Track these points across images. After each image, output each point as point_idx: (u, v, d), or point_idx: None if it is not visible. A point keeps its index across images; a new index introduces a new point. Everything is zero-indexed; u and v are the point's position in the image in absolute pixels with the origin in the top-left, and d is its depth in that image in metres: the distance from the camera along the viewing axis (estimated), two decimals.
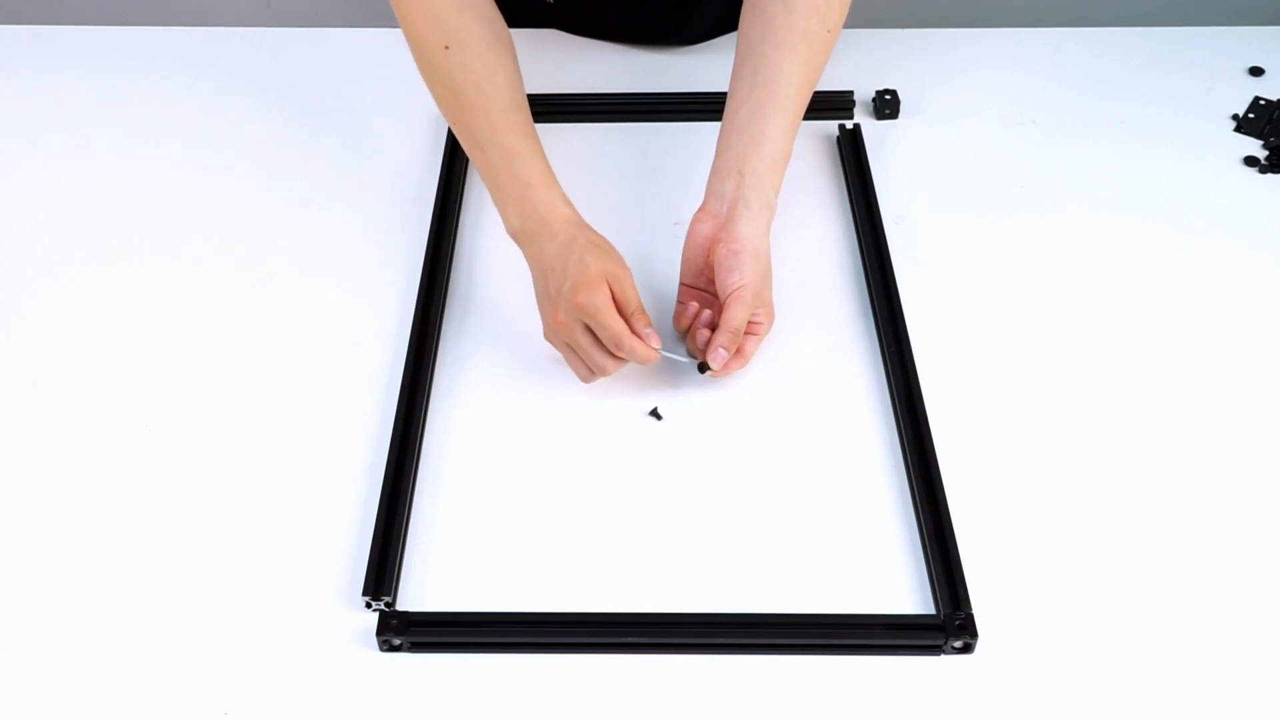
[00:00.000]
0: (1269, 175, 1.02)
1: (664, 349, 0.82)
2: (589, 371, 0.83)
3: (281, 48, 1.17)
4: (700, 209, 0.88)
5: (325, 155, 1.05)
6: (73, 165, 1.04)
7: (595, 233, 0.85)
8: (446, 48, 0.88)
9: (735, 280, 0.83)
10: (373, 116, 1.09)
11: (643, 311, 0.82)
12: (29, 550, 0.76)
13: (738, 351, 0.83)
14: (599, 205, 0.91)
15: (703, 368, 0.83)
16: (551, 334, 0.84)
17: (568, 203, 0.86)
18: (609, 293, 0.80)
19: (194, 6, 1.76)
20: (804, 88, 0.89)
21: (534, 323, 0.87)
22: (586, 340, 0.81)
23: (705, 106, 1.07)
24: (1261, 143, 1.05)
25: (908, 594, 0.74)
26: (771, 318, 0.86)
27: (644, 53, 1.15)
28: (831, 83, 1.10)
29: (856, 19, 1.06)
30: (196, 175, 1.03)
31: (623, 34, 1.16)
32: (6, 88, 1.12)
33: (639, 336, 0.80)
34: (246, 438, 0.82)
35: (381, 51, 1.15)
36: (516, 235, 0.86)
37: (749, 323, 0.84)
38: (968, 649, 0.71)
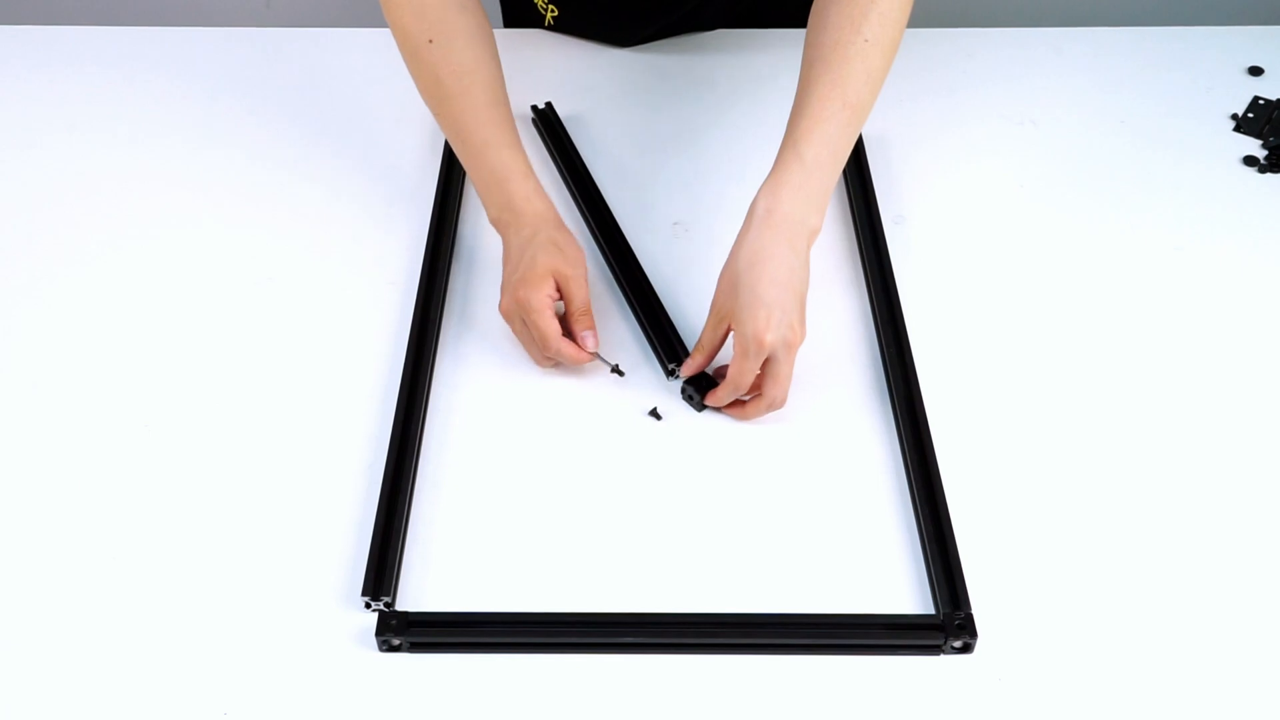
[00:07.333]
0: (1268, 175, 1.02)
1: (604, 354, 0.84)
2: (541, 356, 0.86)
3: (281, 48, 1.17)
4: None
5: (325, 155, 1.04)
6: (72, 165, 1.04)
7: (563, 231, 0.87)
8: (431, 41, 0.89)
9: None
10: (372, 116, 1.08)
11: (586, 314, 0.84)
12: (29, 550, 0.76)
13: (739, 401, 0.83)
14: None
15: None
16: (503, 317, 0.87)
17: (543, 197, 0.88)
18: (550, 292, 0.83)
19: (194, 6, 1.76)
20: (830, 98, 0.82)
21: None
22: (524, 334, 0.85)
23: None
24: (1261, 142, 1.05)
25: (908, 594, 0.74)
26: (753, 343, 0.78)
27: (647, 54, 1.15)
28: None
29: None
30: (196, 175, 1.03)
31: (625, 35, 1.16)
32: (6, 88, 1.12)
33: (576, 338, 0.83)
34: (246, 437, 0.82)
35: (381, 51, 1.14)
36: (496, 224, 0.89)
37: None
38: (967, 649, 0.71)
